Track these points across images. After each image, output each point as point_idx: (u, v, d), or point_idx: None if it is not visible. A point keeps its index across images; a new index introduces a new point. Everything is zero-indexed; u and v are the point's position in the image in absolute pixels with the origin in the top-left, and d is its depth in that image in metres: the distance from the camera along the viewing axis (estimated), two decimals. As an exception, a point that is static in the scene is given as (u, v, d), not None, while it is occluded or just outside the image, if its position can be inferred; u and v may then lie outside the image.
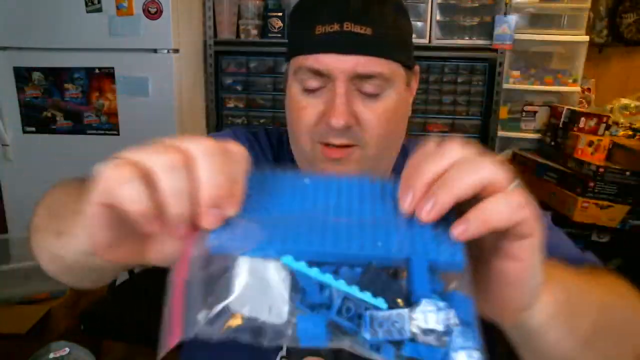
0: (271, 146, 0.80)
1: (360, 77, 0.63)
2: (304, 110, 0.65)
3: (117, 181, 0.30)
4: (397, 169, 0.74)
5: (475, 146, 0.34)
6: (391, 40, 0.65)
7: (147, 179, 0.30)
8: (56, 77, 2.01)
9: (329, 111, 0.63)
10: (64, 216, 0.44)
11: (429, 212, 0.32)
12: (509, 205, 0.31)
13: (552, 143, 2.05)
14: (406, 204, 0.34)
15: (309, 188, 0.38)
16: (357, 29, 0.62)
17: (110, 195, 0.30)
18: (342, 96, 0.62)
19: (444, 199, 0.32)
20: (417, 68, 0.72)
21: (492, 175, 0.32)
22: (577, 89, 2.14)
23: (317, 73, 0.63)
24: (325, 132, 0.64)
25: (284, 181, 0.39)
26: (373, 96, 0.64)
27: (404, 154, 0.74)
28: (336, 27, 0.62)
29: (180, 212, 0.30)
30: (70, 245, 0.42)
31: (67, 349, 0.68)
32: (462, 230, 0.32)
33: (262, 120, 2.34)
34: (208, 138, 0.34)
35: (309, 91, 0.65)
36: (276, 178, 0.39)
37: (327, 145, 0.65)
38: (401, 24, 0.66)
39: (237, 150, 0.34)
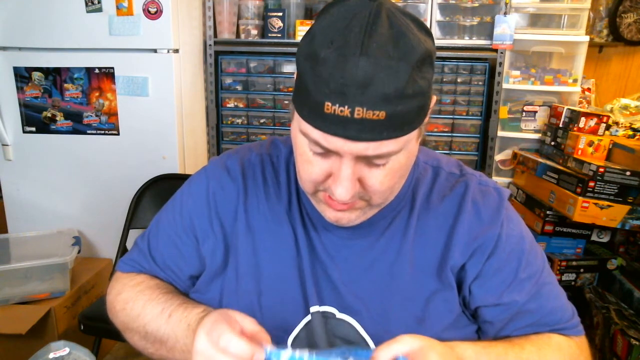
0: (263, 172, 0.79)
1: (369, 156, 0.60)
2: (311, 166, 0.63)
3: None
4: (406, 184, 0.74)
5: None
6: (408, 116, 0.58)
7: None
8: (56, 77, 2.01)
9: (334, 182, 0.62)
10: (163, 346, 0.73)
11: None
12: None
13: (552, 143, 2.05)
14: None
15: None
16: (370, 115, 0.55)
17: None
18: (348, 175, 0.60)
19: None
20: (434, 100, 0.65)
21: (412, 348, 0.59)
22: (577, 89, 2.13)
23: (324, 148, 0.60)
24: (330, 189, 0.63)
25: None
26: (382, 164, 0.62)
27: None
28: (347, 112, 0.55)
29: None
30: None
31: (67, 349, 0.68)
32: None
33: (262, 120, 2.34)
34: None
35: (316, 153, 0.62)
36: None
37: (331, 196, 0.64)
38: (420, 86, 0.58)
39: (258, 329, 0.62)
